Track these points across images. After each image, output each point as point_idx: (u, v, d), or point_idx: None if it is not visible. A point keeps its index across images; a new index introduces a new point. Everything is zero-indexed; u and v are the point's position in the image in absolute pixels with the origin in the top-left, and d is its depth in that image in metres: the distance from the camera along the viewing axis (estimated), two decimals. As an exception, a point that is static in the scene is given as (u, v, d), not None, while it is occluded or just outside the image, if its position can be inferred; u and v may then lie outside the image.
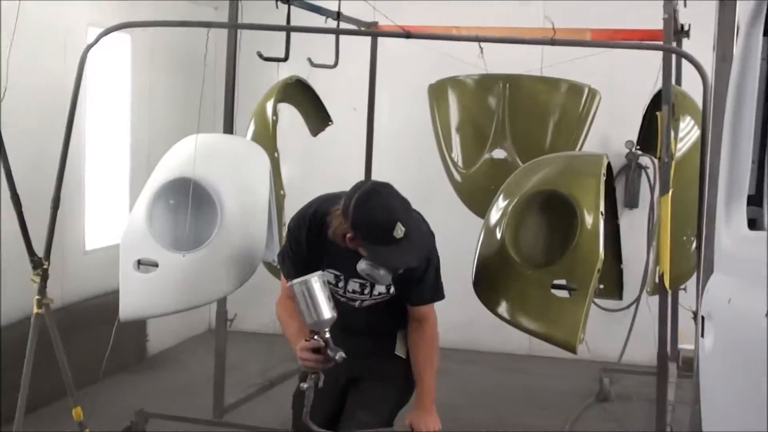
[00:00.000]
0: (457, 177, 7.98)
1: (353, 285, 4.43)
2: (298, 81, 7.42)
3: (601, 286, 6.10)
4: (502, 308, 5.22)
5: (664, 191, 6.01)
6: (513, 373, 8.85)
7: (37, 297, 5.02)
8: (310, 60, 7.71)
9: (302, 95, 7.60)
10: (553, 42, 5.66)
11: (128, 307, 5.42)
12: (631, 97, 7.80)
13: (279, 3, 6.91)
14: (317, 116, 7.85)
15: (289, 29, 6.98)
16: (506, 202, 5.42)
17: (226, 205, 5.46)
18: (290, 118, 7.70)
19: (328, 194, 4.42)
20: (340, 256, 4.29)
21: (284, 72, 7.27)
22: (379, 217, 4.01)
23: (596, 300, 8.58)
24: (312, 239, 4.32)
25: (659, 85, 6.36)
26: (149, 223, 5.46)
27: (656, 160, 8.27)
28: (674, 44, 7.30)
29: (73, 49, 7.02)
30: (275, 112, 6.85)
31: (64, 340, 5.53)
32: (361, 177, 8.25)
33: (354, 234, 4.08)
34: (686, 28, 7.69)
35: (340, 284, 4.43)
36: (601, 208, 5.17)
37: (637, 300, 8.90)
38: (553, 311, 5.07)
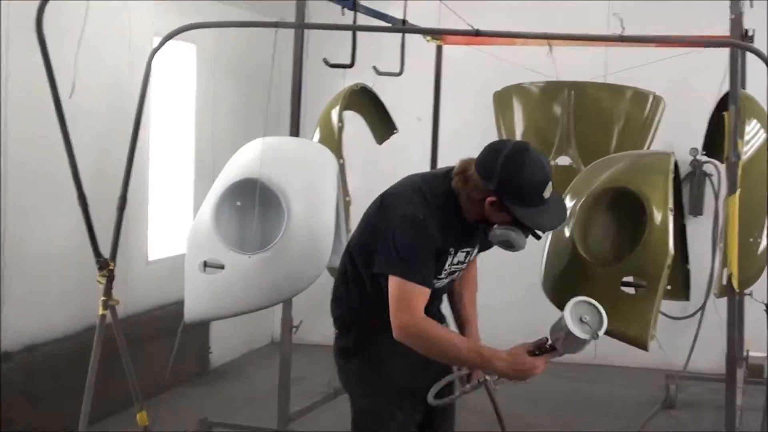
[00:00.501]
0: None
1: (460, 256, 4.02)
2: (363, 88, 7.43)
3: (669, 287, 6.00)
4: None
5: (732, 191, 5.91)
6: (578, 381, 8.77)
7: (102, 298, 5.03)
8: (375, 68, 7.68)
9: (368, 103, 7.62)
10: (621, 38, 5.57)
11: (193, 309, 5.44)
12: (695, 103, 7.75)
13: (345, 10, 6.94)
14: (382, 124, 7.86)
15: (355, 29, 6.99)
16: (574, 201, 5.37)
17: (292, 206, 5.45)
18: (355, 126, 7.68)
19: (412, 177, 4.07)
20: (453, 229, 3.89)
21: (350, 80, 7.28)
22: (534, 176, 3.69)
23: (662, 305, 8.56)
24: (442, 220, 3.83)
25: (724, 89, 6.27)
26: (215, 224, 5.46)
27: (721, 167, 8.24)
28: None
29: (137, 55, 7.08)
30: (341, 119, 6.86)
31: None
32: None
33: (499, 197, 3.71)
34: (750, 33, 7.58)
35: (449, 259, 3.97)
36: (670, 204, 5.11)
37: (702, 307, 8.78)
38: (624, 308, 5.00)
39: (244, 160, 5.69)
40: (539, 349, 3.70)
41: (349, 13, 6.98)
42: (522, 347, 3.70)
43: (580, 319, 3.66)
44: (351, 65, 7.01)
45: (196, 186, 8.42)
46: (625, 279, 5.10)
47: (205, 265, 5.43)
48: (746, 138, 6.85)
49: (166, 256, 8.12)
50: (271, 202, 5.50)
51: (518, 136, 7.95)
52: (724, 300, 6.08)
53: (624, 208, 5.32)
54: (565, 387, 8.55)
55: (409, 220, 3.77)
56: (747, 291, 7.28)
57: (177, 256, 8.19)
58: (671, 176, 5.29)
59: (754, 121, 6.90)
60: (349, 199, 6.62)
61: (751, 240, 6.60)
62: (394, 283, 3.72)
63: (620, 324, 5.03)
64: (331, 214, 5.62)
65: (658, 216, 5.07)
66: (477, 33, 5.76)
